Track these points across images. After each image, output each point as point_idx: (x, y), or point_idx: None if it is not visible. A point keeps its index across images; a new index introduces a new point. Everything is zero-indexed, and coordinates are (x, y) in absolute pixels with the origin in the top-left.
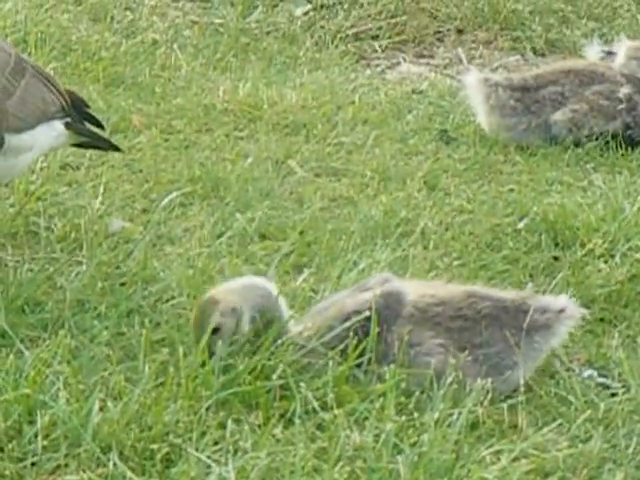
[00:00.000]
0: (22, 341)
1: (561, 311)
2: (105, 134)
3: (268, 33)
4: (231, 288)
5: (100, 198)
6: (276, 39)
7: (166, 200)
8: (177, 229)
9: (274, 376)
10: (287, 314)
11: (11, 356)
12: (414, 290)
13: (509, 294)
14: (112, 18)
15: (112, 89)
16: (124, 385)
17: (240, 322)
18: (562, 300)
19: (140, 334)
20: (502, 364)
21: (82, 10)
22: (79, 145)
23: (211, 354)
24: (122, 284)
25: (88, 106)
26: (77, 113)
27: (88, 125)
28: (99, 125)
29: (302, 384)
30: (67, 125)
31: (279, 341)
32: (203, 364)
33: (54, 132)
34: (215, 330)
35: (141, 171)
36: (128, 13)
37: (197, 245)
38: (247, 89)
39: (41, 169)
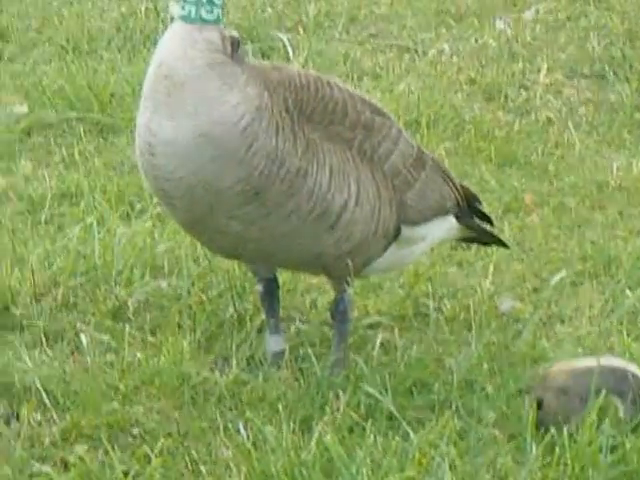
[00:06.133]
0: (409, 423)
1: None
2: (494, 230)
3: None
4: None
5: (490, 278)
6: None
7: (556, 279)
8: (567, 308)
9: None
10: None
11: (397, 438)
12: None
13: None
14: (506, 97)
15: (505, 169)
16: (511, 466)
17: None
18: None
19: (528, 414)
20: None
21: (476, 89)
22: (465, 239)
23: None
24: (510, 364)
25: (480, 202)
26: (468, 207)
27: (478, 220)
28: (489, 220)
29: None
30: (459, 219)
31: None
32: (590, 443)
33: (447, 225)
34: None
35: (532, 250)
36: (522, 92)
37: (587, 324)
38: None
39: (432, 250)
